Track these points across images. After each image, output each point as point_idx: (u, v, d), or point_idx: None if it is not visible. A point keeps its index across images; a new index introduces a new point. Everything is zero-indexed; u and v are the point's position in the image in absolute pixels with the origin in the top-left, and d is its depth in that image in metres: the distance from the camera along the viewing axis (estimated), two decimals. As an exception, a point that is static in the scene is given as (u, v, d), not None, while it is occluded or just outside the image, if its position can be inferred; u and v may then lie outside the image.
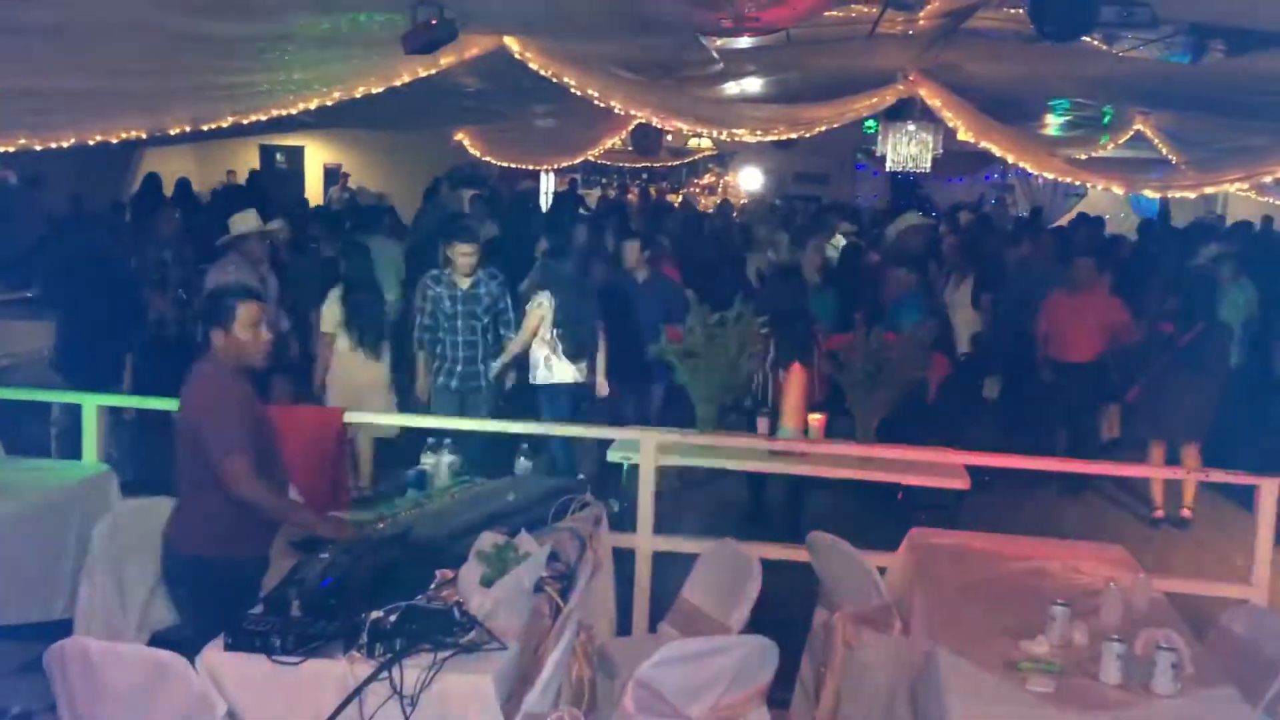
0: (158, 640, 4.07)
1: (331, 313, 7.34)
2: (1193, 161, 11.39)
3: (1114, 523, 7.92)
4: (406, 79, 7.86)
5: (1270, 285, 9.79)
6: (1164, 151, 12.23)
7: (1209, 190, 12.31)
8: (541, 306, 7.40)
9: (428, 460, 4.99)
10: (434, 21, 6.27)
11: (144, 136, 7.89)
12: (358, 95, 8.03)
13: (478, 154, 14.76)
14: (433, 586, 3.73)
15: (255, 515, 4.00)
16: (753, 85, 12.00)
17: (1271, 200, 16.80)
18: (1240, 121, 10.92)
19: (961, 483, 5.78)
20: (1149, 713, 3.43)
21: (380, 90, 8.01)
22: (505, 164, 15.69)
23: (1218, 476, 5.54)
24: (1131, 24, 5.90)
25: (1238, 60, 7.09)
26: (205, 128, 7.98)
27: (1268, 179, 10.90)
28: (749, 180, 23.31)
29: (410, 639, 3.33)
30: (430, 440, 5.13)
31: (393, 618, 3.37)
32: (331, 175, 18.99)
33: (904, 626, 4.37)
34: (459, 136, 14.34)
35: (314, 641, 3.29)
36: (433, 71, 7.73)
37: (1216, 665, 3.81)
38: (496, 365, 7.32)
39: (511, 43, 7.77)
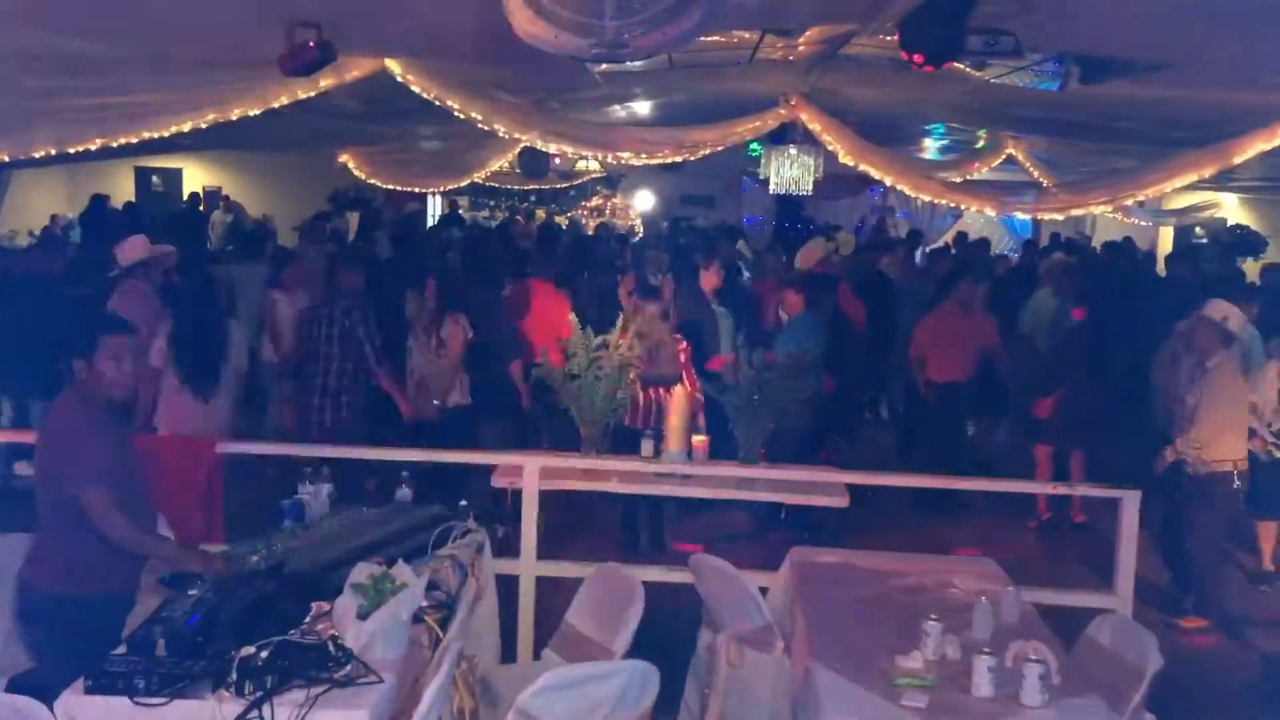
0: (14, 685, 3.89)
1: (159, 348, 6.85)
2: (1061, 184, 11.81)
3: (999, 532, 8.10)
4: (285, 101, 7.74)
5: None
6: (1034, 175, 12.67)
7: (1077, 212, 12.80)
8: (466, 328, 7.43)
9: (305, 490, 4.88)
10: (312, 43, 6.18)
11: (5, 159, 7.61)
12: (234, 117, 7.88)
13: (363, 176, 14.59)
14: (308, 620, 3.64)
15: (118, 550, 3.86)
16: (638, 108, 12.10)
17: (1135, 221, 17.54)
18: (1104, 146, 11.38)
19: (841, 501, 5.87)
20: (1018, 724, 3.52)
21: (258, 112, 7.87)
22: (391, 186, 15.52)
23: (1082, 490, 5.73)
24: (997, 52, 6.11)
25: (1098, 87, 7.37)
26: (72, 150, 7.75)
27: (1130, 201, 11.38)
28: (638, 202, 23.45)
29: (282, 675, 3.25)
30: (308, 470, 5.02)
31: (264, 654, 3.29)
32: (211, 198, 18.55)
33: (785, 645, 4.41)
34: (343, 158, 14.16)
35: (180, 681, 3.19)
36: (312, 94, 7.63)
37: (1083, 675, 3.93)
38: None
39: (393, 65, 7.71)
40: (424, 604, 3.79)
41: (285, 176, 17.89)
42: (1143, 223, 18.21)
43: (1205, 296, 8.77)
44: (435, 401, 7.48)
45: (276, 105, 7.73)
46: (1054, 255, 12.94)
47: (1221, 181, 13.49)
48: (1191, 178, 9.13)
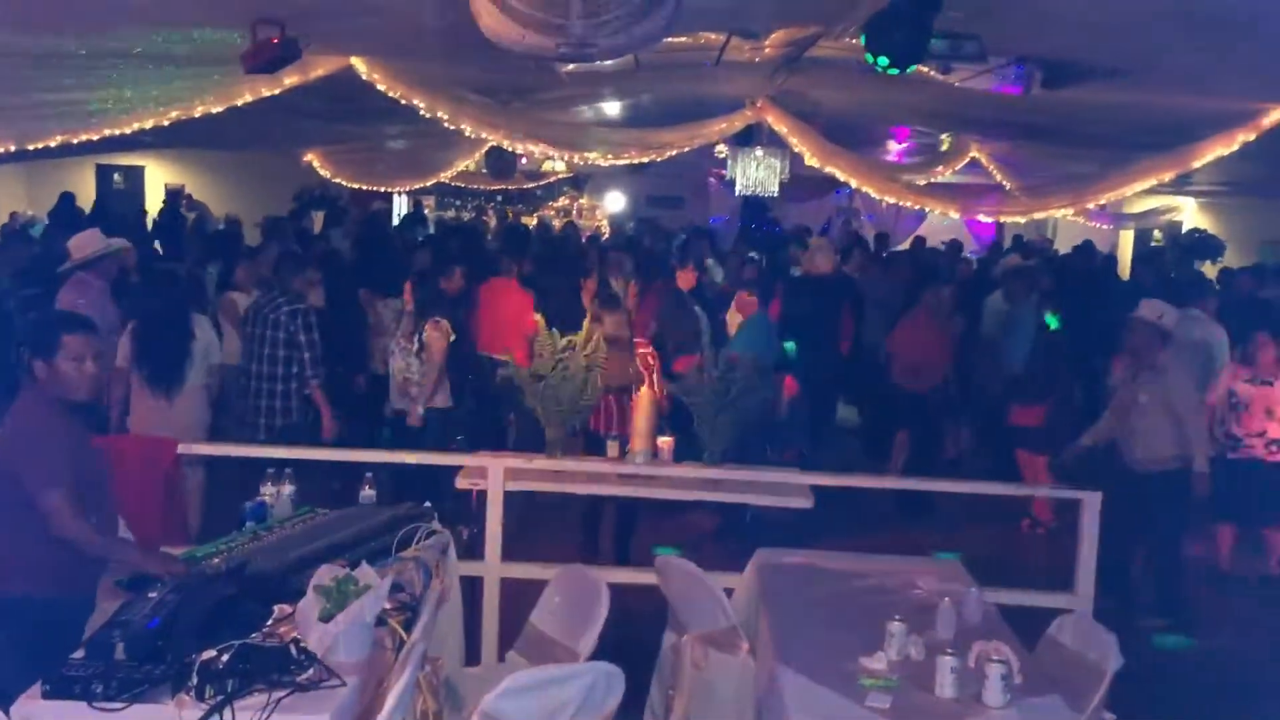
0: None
1: (123, 346, 6.83)
2: (1024, 188, 11.92)
3: (971, 535, 8.15)
4: (249, 98, 7.68)
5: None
6: (997, 178, 12.78)
7: (1039, 215, 12.94)
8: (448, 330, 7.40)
9: (267, 491, 4.84)
10: (275, 40, 6.13)
11: (-38, 155, 7.51)
12: (197, 115, 7.81)
13: (328, 175, 14.50)
14: (269, 623, 3.61)
15: (76, 553, 3.81)
16: (605, 109, 12.10)
17: (1097, 225, 17.73)
18: (1066, 150, 11.50)
19: (806, 502, 5.89)
20: (980, 724, 3.54)
21: (221, 110, 7.80)
22: (356, 186, 15.43)
23: (1043, 492, 5.78)
24: (961, 56, 6.17)
25: (1060, 92, 7.45)
26: (32, 147, 7.65)
27: (1091, 205, 11.50)
28: (604, 203, 23.45)
29: (243, 679, 3.21)
30: (270, 470, 4.98)
31: (225, 657, 3.25)
32: (174, 197, 18.36)
33: (750, 647, 4.42)
34: (308, 157, 14.08)
35: (139, 686, 3.15)
36: (276, 91, 7.57)
37: (1044, 675, 3.96)
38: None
39: (358, 64, 7.67)
40: (388, 606, 3.76)
41: (250, 175, 17.73)
42: (1103, 226, 18.42)
43: (1171, 299, 8.90)
44: (420, 408, 7.42)
45: (240, 103, 7.66)
46: (1008, 258, 13.03)
47: (1180, 186, 13.68)
48: (1151, 182, 9.27)
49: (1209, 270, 14.94)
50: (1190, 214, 18.88)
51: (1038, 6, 5.57)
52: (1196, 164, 8.39)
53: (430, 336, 7.39)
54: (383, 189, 16.61)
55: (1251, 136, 7.75)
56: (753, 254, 13.51)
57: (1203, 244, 16.80)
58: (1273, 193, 15.31)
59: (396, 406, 7.58)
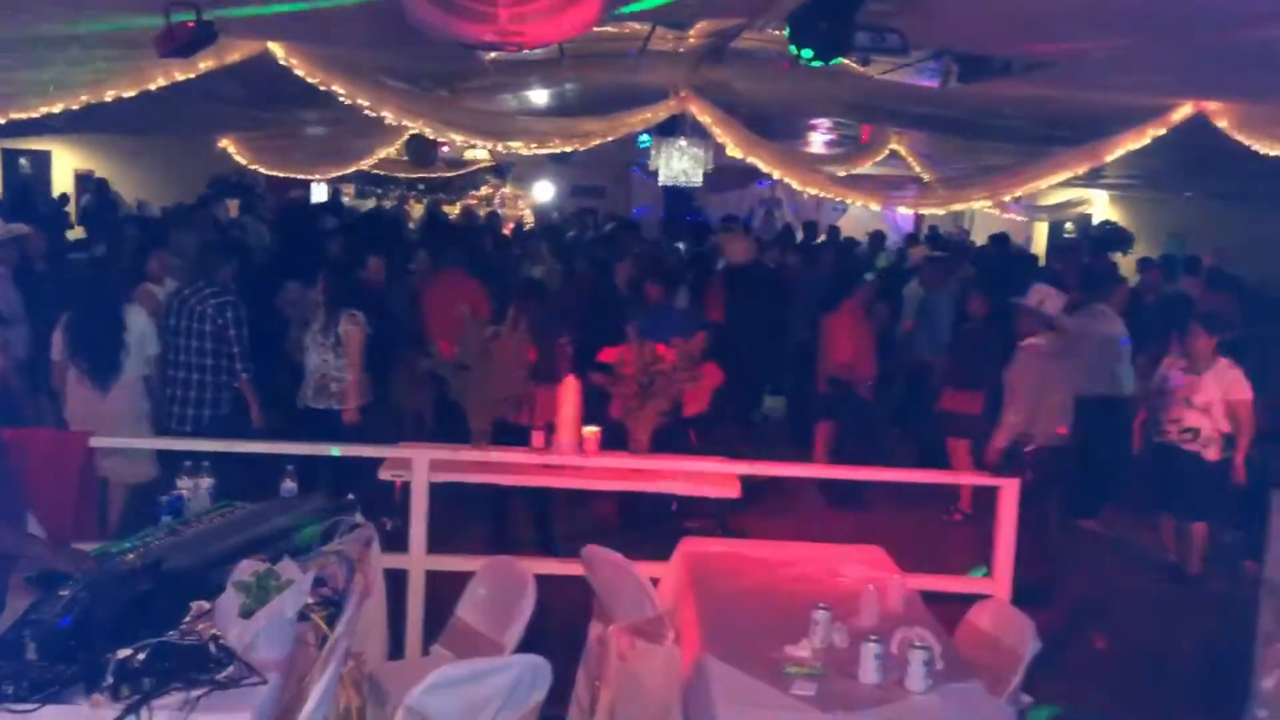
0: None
1: (57, 340, 6.70)
2: (942, 180, 12.10)
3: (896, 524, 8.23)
4: (162, 83, 7.50)
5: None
6: (916, 170, 12.95)
7: (957, 207, 13.14)
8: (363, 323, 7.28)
9: (184, 485, 4.73)
10: (190, 24, 5.98)
11: None
12: (108, 99, 7.60)
13: (244, 161, 14.21)
14: (187, 620, 3.53)
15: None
16: (529, 98, 12.03)
17: (1013, 217, 18.09)
18: (983, 143, 11.70)
19: (733, 492, 5.92)
20: (903, 709, 3.60)
21: (134, 94, 7.60)
22: (273, 173, 15.16)
23: (966, 479, 5.87)
24: (883, 49, 6.22)
25: (975, 86, 7.57)
26: (-68, 130, 7.39)
27: (1007, 197, 11.72)
28: (528, 192, 23.33)
29: (161, 678, 3.14)
30: (187, 464, 4.87)
31: (141, 656, 3.17)
32: (84, 183, 17.84)
33: (676, 636, 4.43)
34: (223, 143, 13.79)
35: (52, 686, 3.06)
36: (191, 76, 7.40)
37: (965, 660, 4.03)
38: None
39: (276, 48, 7.52)
40: (310, 601, 3.70)
41: (162, 161, 17.29)
42: (1019, 218, 18.79)
43: (1085, 290, 9.11)
44: (338, 406, 7.29)
45: (153, 87, 7.47)
46: (915, 248, 13.24)
47: (1092, 179, 13.99)
48: (1065, 175, 9.47)
49: (1124, 262, 15.30)
50: (1101, 207, 19.33)
51: (958, 1, 5.64)
52: (1108, 158, 8.60)
53: (348, 331, 7.26)
54: (301, 176, 16.33)
55: (1161, 131, 7.97)
56: (678, 244, 13.57)
57: (1113, 236, 17.19)
58: (1180, 187, 15.75)
59: (314, 405, 7.40)
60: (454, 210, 20.39)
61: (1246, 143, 7.62)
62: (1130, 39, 6.10)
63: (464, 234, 13.73)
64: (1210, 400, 7.37)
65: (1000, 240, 15.67)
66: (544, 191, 23.41)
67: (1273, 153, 7.55)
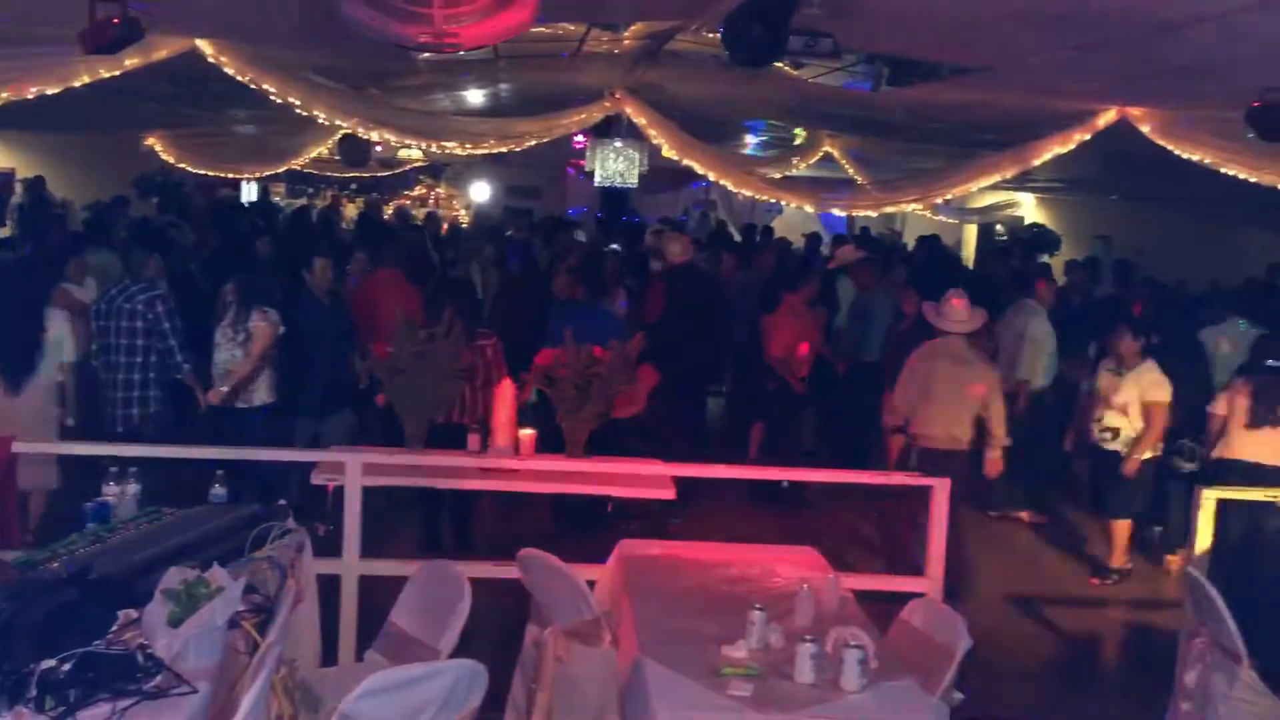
0: None
1: None
2: (875, 182, 12.23)
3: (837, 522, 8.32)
4: (87, 79, 7.34)
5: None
6: (850, 172, 13.08)
7: (889, 209, 13.29)
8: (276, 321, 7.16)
9: (109, 491, 4.63)
10: (116, 20, 5.86)
11: None
12: (30, 96, 7.42)
13: (171, 160, 13.95)
14: (114, 629, 3.46)
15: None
16: (464, 98, 11.96)
17: (944, 219, 18.36)
18: (914, 146, 11.86)
19: (668, 493, 5.94)
20: (838, 709, 3.63)
21: (57, 91, 7.43)
22: (201, 171, 14.89)
23: (898, 479, 5.94)
24: (816, 53, 6.27)
25: (906, 89, 7.68)
26: None
27: (939, 200, 11.89)
28: (463, 192, 23.19)
29: (86, 689, 3.07)
30: (113, 469, 4.77)
31: (66, 666, 3.10)
32: (2, 181, 17.39)
33: (613, 638, 4.43)
34: (150, 141, 13.51)
35: (-28, 699, 2.98)
36: (116, 73, 7.25)
37: (898, 658, 4.08)
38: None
39: (204, 46, 7.40)
40: (241, 608, 3.64)
41: (86, 159, 16.90)
42: (949, 220, 19.07)
43: (1014, 291, 9.27)
44: (242, 405, 7.18)
45: (77, 84, 7.32)
46: (841, 249, 13.33)
47: (1020, 182, 14.25)
48: (994, 178, 9.62)
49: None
50: (1029, 209, 19.69)
51: (889, 6, 5.70)
52: (1036, 161, 8.75)
53: (257, 327, 7.19)
54: (230, 175, 16.07)
55: (1087, 136, 8.14)
56: (614, 245, 13.55)
57: (1041, 238, 17.51)
58: (1105, 190, 16.10)
59: (222, 403, 7.30)
60: (387, 210, 20.22)
61: (1167, 147, 7.80)
62: (1056, 46, 6.23)
63: (400, 234, 13.61)
64: (1128, 400, 7.52)
65: (930, 242, 15.88)
66: (479, 192, 23.28)
67: (1192, 157, 7.74)
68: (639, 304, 9.58)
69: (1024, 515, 9.00)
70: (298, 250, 9.00)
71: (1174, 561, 7.97)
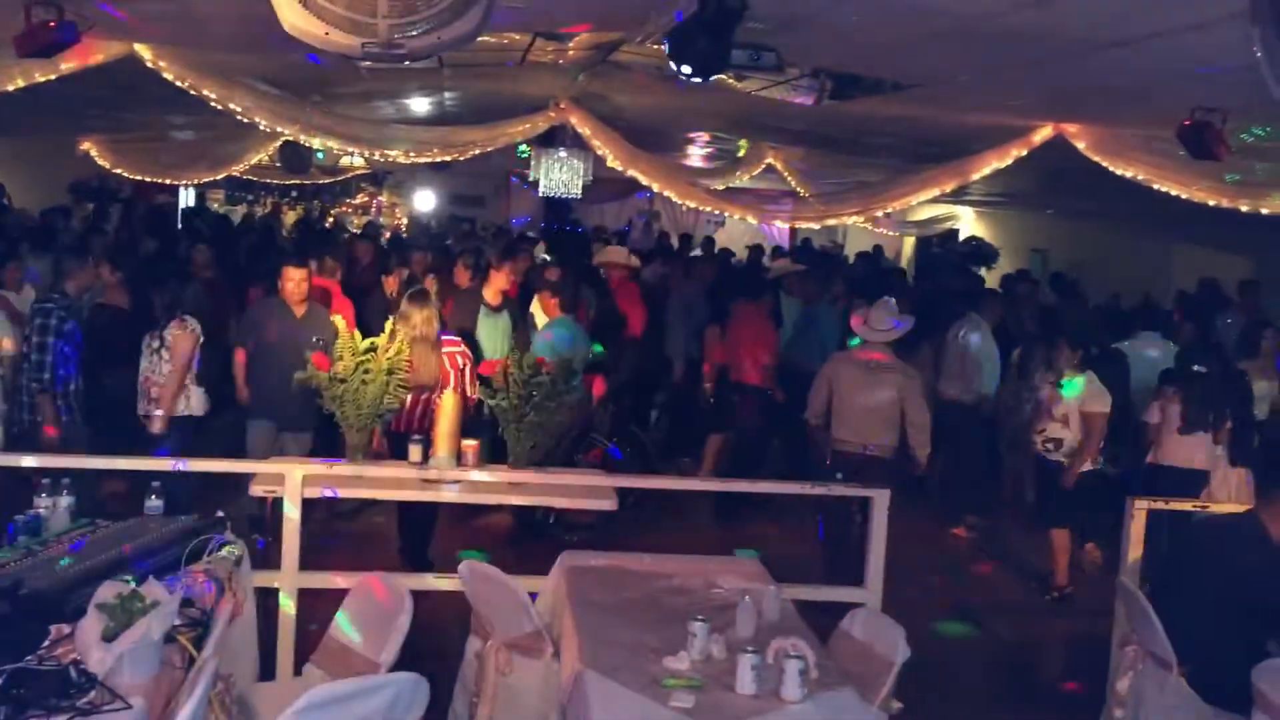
0: None
1: None
2: (817, 194, 12.34)
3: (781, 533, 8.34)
4: (21, 83, 7.21)
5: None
6: (792, 184, 13.19)
7: (831, 222, 13.42)
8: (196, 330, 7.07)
9: (41, 503, 4.54)
10: (52, 23, 5.77)
11: None
12: (-39, 99, 7.29)
13: (107, 165, 13.70)
14: (46, 644, 3.40)
15: None
16: (407, 106, 11.89)
17: (884, 231, 18.57)
18: (855, 159, 11.98)
19: (610, 504, 5.94)
20: (780, 719, 3.65)
21: (-9, 94, 7.30)
22: (139, 177, 14.64)
23: (839, 490, 5.99)
24: (760, 67, 6.34)
25: (848, 103, 7.76)
26: None
27: (879, 213, 12.03)
28: (406, 200, 23.05)
29: (17, 706, 3.01)
30: (45, 480, 4.67)
31: (-3, 683, 3.05)
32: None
33: (555, 650, 4.43)
34: (85, 145, 13.27)
35: (-102, 718, 2.92)
36: (52, 77, 7.13)
37: (838, 668, 4.12)
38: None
39: (143, 50, 7.30)
40: (177, 622, 3.59)
41: (16, 164, 16.57)
42: (890, 233, 19.29)
43: (953, 304, 9.41)
44: (158, 411, 7.08)
45: (11, 88, 7.18)
46: (778, 262, 13.43)
47: (959, 196, 14.45)
48: (934, 192, 9.76)
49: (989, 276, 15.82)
50: (967, 222, 19.98)
51: (832, 22, 5.77)
52: (975, 176, 8.89)
53: (175, 336, 7.09)
54: (168, 181, 15.82)
55: (1024, 151, 8.28)
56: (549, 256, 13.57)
57: (979, 251, 17.77)
58: (1041, 204, 16.38)
59: (139, 411, 7.22)
60: (330, 219, 20.06)
61: (1101, 163, 7.96)
62: (989, 65, 6.34)
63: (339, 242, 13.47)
64: (1068, 411, 7.65)
65: (872, 256, 16.08)
66: (423, 200, 23.15)
67: (1126, 173, 7.90)
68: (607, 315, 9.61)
69: (959, 531, 9.06)
70: (254, 258, 8.90)
71: (1092, 551, 8.10)
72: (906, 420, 7.23)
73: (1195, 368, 7.63)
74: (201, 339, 7.24)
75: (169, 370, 7.09)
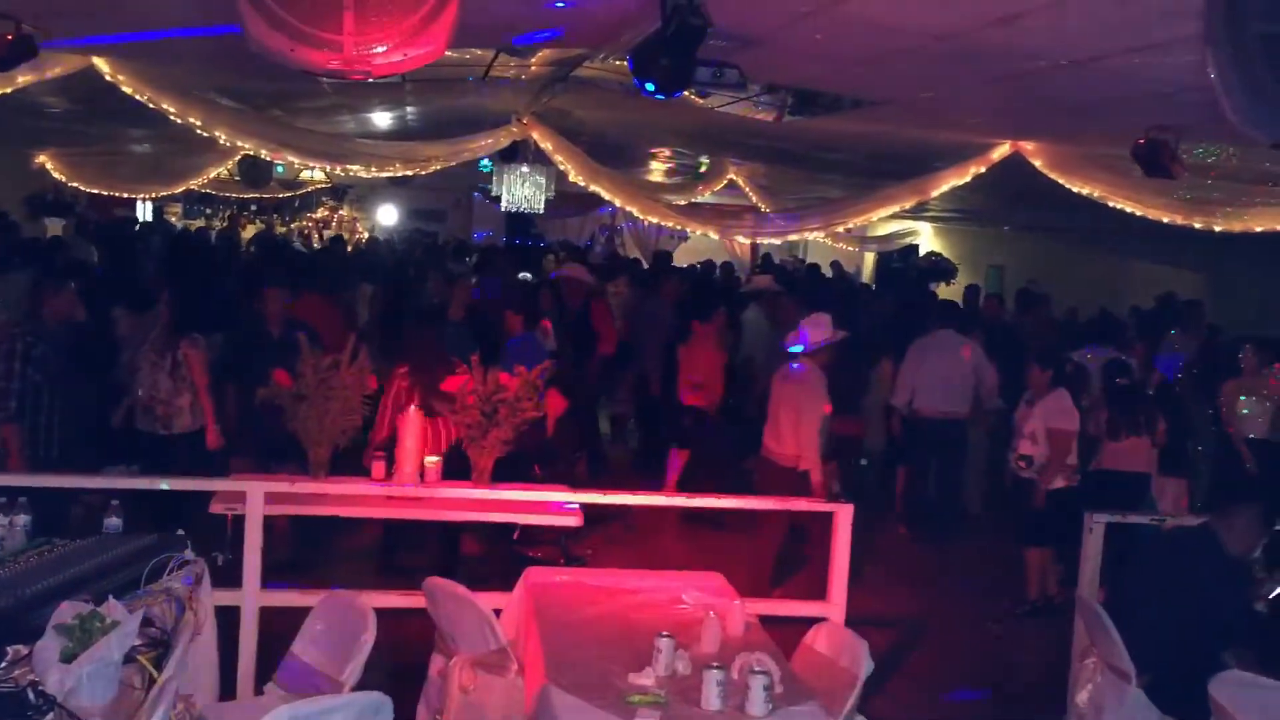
0: None
1: None
2: (779, 210, 12.42)
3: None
4: (-22, 96, 7.14)
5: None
6: (754, 200, 13.27)
7: (793, 237, 13.51)
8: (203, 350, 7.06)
9: (-1, 522, 4.47)
10: (10, 36, 5.72)
11: None
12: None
13: (62, 179, 13.55)
14: (3, 665, 3.34)
15: None
16: (369, 120, 11.86)
17: (845, 247, 18.72)
18: (816, 175, 12.08)
19: (574, 520, 5.93)
20: (744, 734, 3.66)
21: (-56, 107, 7.22)
22: (95, 190, 14.50)
23: (800, 505, 6.01)
24: (723, 84, 6.38)
25: (810, 120, 7.83)
26: None
27: (840, 228, 12.12)
28: (366, 215, 22.95)
29: (-27, 729, 2.97)
30: (1, 499, 4.60)
31: (-48, 706, 3.00)
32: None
33: (519, 667, 4.41)
34: (41, 159, 13.13)
35: None
36: (8, 90, 7.06)
37: (802, 682, 4.13)
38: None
39: (101, 64, 7.24)
40: (137, 643, 3.55)
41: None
42: (851, 248, 19.45)
43: (909, 317, 9.49)
44: (163, 431, 7.02)
45: (-33, 101, 7.12)
46: (758, 278, 13.46)
47: (918, 212, 14.61)
48: (894, 208, 9.86)
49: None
50: (926, 238, 20.18)
51: (794, 39, 5.82)
52: (934, 193, 8.99)
53: (190, 355, 7.06)
54: (125, 195, 15.67)
55: (982, 168, 8.39)
56: (525, 273, 13.58)
57: (938, 267, 17.97)
58: (998, 220, 16.59)
59: (139, 427, 7.12)
60: (283, 232, 19.90)
61: (1058, 180, 8.08)
62: (954, 82, 6.42)
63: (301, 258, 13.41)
64: (1036, 429, 7.71)
65: (834, 269, 16.20)
66: (386, 215, 23.06)
67: (1082, 190, 8.02)
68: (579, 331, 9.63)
69: (901, 529, 9.26)
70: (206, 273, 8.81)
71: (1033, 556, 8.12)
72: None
73: (1118, 379, 7.98)
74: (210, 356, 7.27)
75: (180, 386, 7.05)
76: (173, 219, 20.57)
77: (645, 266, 15.76)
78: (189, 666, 4.07)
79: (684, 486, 9.04)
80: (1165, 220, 7.70)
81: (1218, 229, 7.48)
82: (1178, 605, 4.81)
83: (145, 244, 14.52)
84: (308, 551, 7.28)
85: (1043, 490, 7.61)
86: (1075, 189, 8.04)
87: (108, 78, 7.30)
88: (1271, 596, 5.61)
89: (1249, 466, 8.51)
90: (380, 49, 3.20)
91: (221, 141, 8.74)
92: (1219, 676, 4.34)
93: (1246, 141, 4.09)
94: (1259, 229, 7.20)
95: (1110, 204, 7.94)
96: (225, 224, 20.46)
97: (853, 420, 8.81)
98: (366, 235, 21.71)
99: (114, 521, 4.67)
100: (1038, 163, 8.06)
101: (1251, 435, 8.62)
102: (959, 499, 9.70)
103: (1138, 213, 7.84)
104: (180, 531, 4.60)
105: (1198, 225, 7.57)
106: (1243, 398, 8.70)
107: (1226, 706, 4.18)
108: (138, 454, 7.05)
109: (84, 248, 12.95)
